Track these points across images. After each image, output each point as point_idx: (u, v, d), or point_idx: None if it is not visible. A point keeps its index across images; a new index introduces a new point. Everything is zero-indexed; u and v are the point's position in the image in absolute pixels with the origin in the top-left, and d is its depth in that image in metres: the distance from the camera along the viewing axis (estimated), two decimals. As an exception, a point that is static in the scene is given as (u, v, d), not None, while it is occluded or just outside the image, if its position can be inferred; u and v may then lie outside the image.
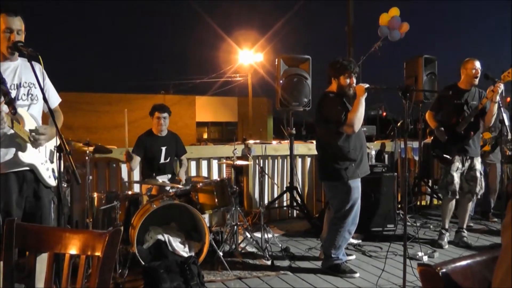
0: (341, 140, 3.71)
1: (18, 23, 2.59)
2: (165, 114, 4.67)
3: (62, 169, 2.34)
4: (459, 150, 4.46)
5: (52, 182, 2.77)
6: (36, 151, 2.67)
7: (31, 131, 2.61)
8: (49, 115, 2.83)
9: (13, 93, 2.60)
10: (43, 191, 2.73)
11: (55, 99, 2.94)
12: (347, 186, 3.74)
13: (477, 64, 4.47)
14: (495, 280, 1.17)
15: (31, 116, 2.67)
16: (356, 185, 3.80)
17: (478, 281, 1.33)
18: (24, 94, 2.66)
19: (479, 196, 4.75)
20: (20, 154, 2.58)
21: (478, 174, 4.51)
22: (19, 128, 2.52)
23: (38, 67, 2.63)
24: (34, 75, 2.44)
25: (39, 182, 2.71)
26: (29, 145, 2.62)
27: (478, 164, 4.54)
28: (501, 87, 4.22)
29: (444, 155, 4.47)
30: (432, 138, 4.85)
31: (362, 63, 9.31)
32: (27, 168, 2.64)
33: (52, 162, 2.80)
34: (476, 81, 4.49)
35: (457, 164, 4.48)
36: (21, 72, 2.67)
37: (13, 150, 2.57)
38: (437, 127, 4.58)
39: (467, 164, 4.51)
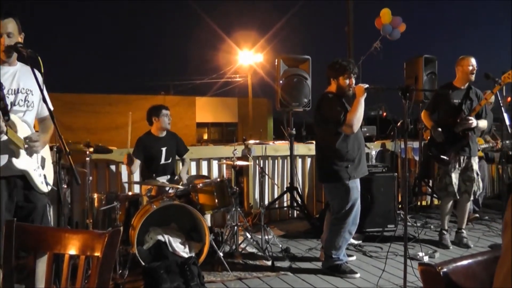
0: (339, 141, 3.70)
1: (8, 26, 2.55)
2: (169, 112, 4.73)
3: (61, 170, 2.34)
4: (456, 150, 4.44)
5: (44, 188, 2.77)
6: (28, 157, 2.67)
7: (25, 138, 2.61)
8: (40, 121, 2.86)
9: (11, 98, 2.60)
10: (35, 196, 2.72)
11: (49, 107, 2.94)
12: (346, 187, 3.73)
13: (473, 60, 4.47)
14: (496, 281, 1.16)
15: (24, 122, 2.67)
16: (355, 185, 3.79)
17: (479, 281, 1.32)
18: (22, 100, 2.65)
19: (476, 197, 4.75)
20: (13, 160, 2.57)
21: (474, 175, 4.49)
22: (13, 134, 2.52)
23: (37, 73, 2.66)
24: (35, 77, 2.43)
25: (31, 188, 2.70)
26: (22, 151, 2.61)
27: (475, 164, 4.52)
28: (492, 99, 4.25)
29: (441, 156, 4.46)
30: (428, 137, 4.84)
31: (362, 63, 9.29)
32: (19, 174, 2.63)
33: (43, 168, 2.80)
34: (473, 77, 4.48)
35: (455, 163, 4.47)
36: (20, 78, 2.65)
37: (6, 156, 2.56)
38: (433, 126, 4.57)
39: (464, 164, 4.50)
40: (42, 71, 2.51)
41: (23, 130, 2.64)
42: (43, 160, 2.81)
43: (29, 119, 2.72)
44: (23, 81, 2.65)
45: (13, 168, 2.58)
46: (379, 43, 9.37)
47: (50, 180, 2.84)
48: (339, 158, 3.72)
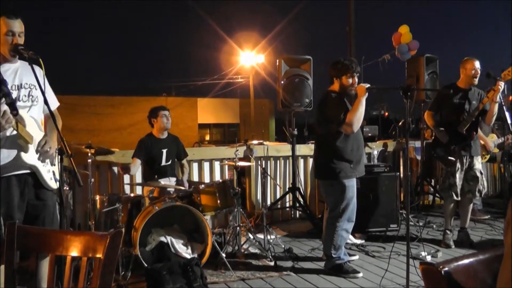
0: (340, 140, 3.71)
1: (19, 26, 2.60)
2: (168, 112, 4.73)
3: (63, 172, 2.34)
4: (460, 150, 4.44)
5: (53, 185, 2.76)
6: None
7: (37, 145, 2.62)
8: (47, 118, 2.85)
9: (14, 94, 2.60)
10: (45, 193, 2.73)
11: (53, 103, 2.93)
12: (342, 185, 3.74)
13: (477, 64, 4.43)
14: (500, 281, 1.16)
15: (31, 118, 2.67)
16: (352, 184, 3.81)
17: (480, 280, 1.32)
18: (25, 95, 2.66)
19: (482, 195, 4.73)
20: (22, 155, 2.58)
21: (478, 174, 4.48)
22: (22, 129, 2.53)
23: (38, 70, 2.64)
24: (35, 77, 2.44)
25: (41, 186, 2.71)
26: (30, 147, 2.62)
27: (478, 163, 4.51)
28: (502, 85, 4.19)
29: (449, 158, 4.43)
30: (432, 137, 4.82)
31: (364, 62, 9.26)
32: (29, 170, 2.64)
33: (52, 164, 2.80)
34: (476, 81, 4.46)
35: (458, 164, 4.46)
36: (22, 74, 2.67)
37: (15, 151, 2.57)
38: (435, 126, 4.56)
39: (467, 164, 4.48)
40: (44, 73, 2.52)
41: (31, 126, 2.65)
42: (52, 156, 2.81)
43: (35, 115, 2.72)
44: (25, 76, 2.66)
45: (22, 164, 2.59)
46: (389, 56, 9.25)
47: None
48: (338, 157, 3.73)
